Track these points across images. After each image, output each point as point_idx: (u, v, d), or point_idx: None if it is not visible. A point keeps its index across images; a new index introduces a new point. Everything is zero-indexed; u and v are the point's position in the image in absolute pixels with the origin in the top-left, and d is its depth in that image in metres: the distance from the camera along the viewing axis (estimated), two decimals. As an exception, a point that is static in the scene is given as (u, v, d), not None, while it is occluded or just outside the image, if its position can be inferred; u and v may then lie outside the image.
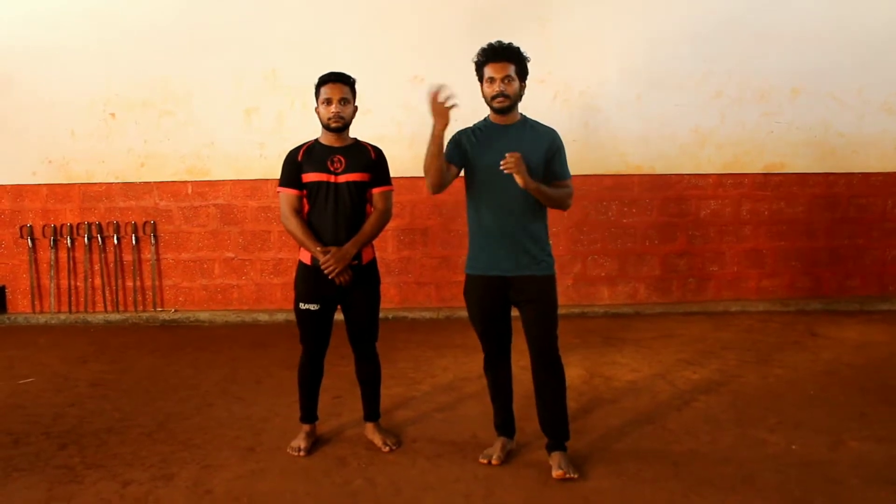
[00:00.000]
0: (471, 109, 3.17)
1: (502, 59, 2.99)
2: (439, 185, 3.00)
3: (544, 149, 3.05)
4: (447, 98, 2.90)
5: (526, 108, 3.16)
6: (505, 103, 3.00)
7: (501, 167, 2.87)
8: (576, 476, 3.00)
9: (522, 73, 3.04)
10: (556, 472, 3.02)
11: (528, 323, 3.09)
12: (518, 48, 3.03)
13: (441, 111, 2.89)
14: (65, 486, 3.04)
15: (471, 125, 3.17)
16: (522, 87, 3.06)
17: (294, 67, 6.03)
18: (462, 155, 3.08)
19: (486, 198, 3.05)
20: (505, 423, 3.32)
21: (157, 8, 6.10)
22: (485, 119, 3.15)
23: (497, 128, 3.09)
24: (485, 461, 3.20)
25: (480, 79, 3.07)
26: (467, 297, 3.19)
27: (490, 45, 3.03)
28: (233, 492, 2.98)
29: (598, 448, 3.35)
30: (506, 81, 2.97)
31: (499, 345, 3.22)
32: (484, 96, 3.06)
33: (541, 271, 3.06)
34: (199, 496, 2.95)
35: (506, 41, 3.04)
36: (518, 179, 2.88)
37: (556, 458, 3.08)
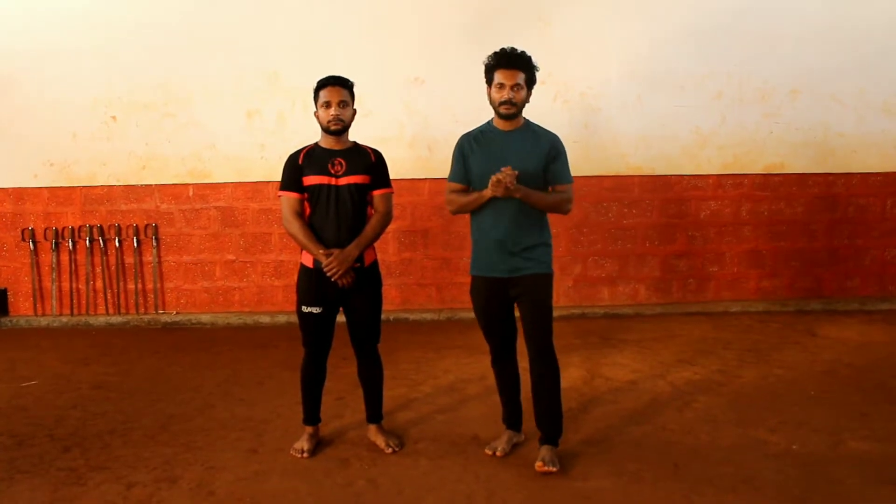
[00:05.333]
0: (473, 109, 3.19)
1: (514, 66, 3.02)
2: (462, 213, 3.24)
3: (544, 153, 3.09)
4: (511, 181, 2.93)
5: (526, 109, 3.16)
6: (511, 111, 3.05)
7: (492, 193, 2.96)
8: (554, 469, 3.07)
9: (531, 82, 3.09)
10: (536, 465, 3.10)
11: (523, 318, 3.17)
12: (530, 57, 3.07)
13: (501, 189, 2.93)
14: (69, 489, 3.05)
15: (473, 129, 3.22)
16: (529, 95, 3.11)
17: (295, 69, 6.04)
18: (467, 167, 3.17)
19: (486, 202, 3.09)
20: (511, 416, 3.42)
21: (159, 10, 6.11)
22: (488, 122, 3.19)
23: (499, 133, 3.13)
24: (490, 452, 3.30)
25: (489, 81, 3.09)
26: (472, 296, 3.29)
27: (503, 50, 3.06)
28: (236, 493, 3.00)
29: (598, 448, 3.37)
30: (515, 89, 3.01)
31: (502, 341, 3.30)
32: (491, 100, 3.10)
33: (535, 269, 3.12)
34: (203, 498, 2.96)
35: (518, 48, 3.07)
36: (508, 194, 2.96)
37: (541, 452, 3.16)
